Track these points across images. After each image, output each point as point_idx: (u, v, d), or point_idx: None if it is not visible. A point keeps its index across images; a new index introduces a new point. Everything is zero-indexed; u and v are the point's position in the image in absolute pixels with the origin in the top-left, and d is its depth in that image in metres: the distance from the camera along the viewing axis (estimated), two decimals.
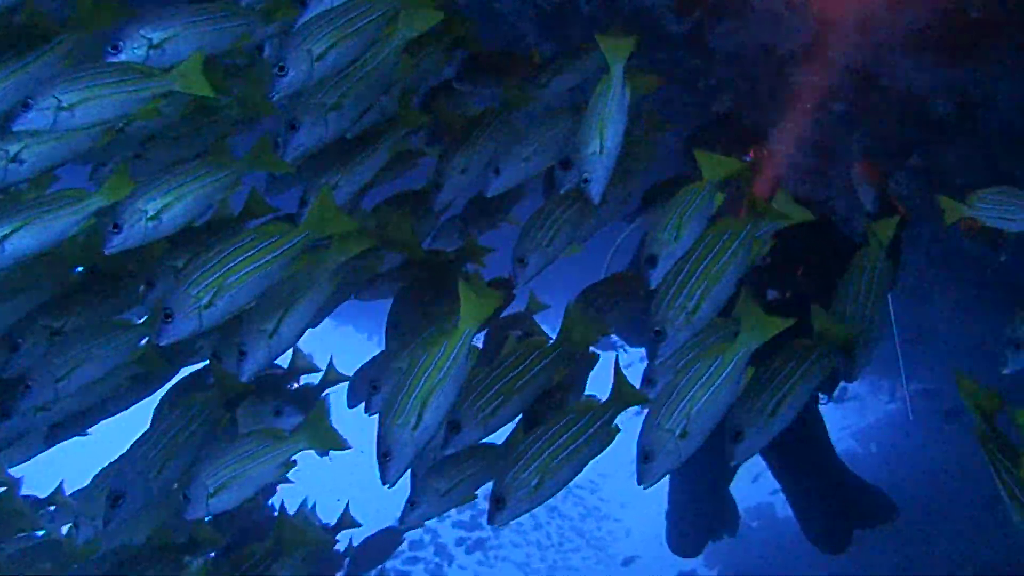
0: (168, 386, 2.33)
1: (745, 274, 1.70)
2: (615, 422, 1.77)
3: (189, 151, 2.20)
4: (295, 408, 2.27)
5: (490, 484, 1.80)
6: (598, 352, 2.10)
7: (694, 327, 1.64)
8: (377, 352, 2.32)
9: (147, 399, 2.36)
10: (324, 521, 3.32)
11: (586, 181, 1.86)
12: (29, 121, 1.77)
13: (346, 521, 3.16)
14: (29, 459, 2.42)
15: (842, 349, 1.84)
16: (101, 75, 1.81)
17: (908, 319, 4.20)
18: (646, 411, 1.70)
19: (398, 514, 3.25)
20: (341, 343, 5.23)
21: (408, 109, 2.27)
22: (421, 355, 1.70)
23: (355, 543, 3.55)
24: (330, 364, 2.58)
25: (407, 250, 2.23)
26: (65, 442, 2.41)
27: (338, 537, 3.21)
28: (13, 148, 1.88)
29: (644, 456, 1.62)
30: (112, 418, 2.39)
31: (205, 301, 1.76)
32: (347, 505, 3.22)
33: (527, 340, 2.00)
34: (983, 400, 1.57)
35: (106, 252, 1.86)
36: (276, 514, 2.88)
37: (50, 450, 2.41)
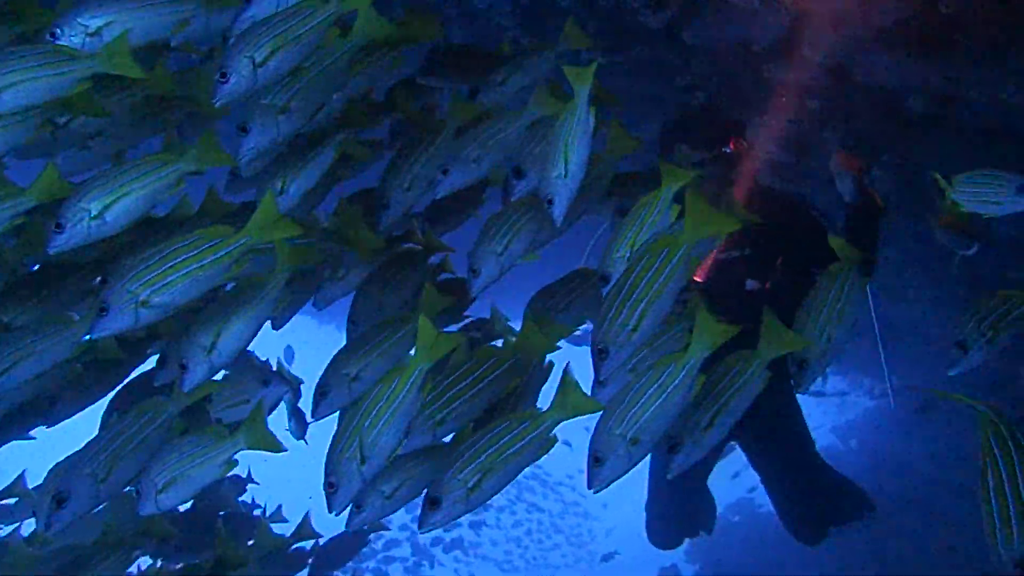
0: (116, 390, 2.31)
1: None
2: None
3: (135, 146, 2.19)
4: (282, 379, 2.26)
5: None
6: (561, 346, 2.10)
7: (635, 345, 1.68)
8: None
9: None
10: (287, 520, 3.28)
11: (550, 202, 1.91)
12: None
13: (305, 531, 3.11)
14: None
15: (794, 359, 1.87)
16: (26, 58, 1.77)
17: (885, 316, 4.23)
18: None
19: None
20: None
21: (354, 109, 2.27)
22: (372, 391, 1.74)
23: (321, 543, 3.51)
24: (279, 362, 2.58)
25: (363, 245, 2.22)
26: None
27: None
28: None
29: (595, 460, 1.64)
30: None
31: (142, 298, 1.76)
32: (307, 514, 3.16)
33: (483, 348, 2.02)
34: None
35: (50, 252, 1.84)
36: (247, 512, 2.88)
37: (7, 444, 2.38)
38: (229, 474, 3.16)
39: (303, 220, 2.11)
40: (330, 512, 1.74)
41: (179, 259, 1.80)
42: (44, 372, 2.10)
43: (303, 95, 1.96)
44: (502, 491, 1.77)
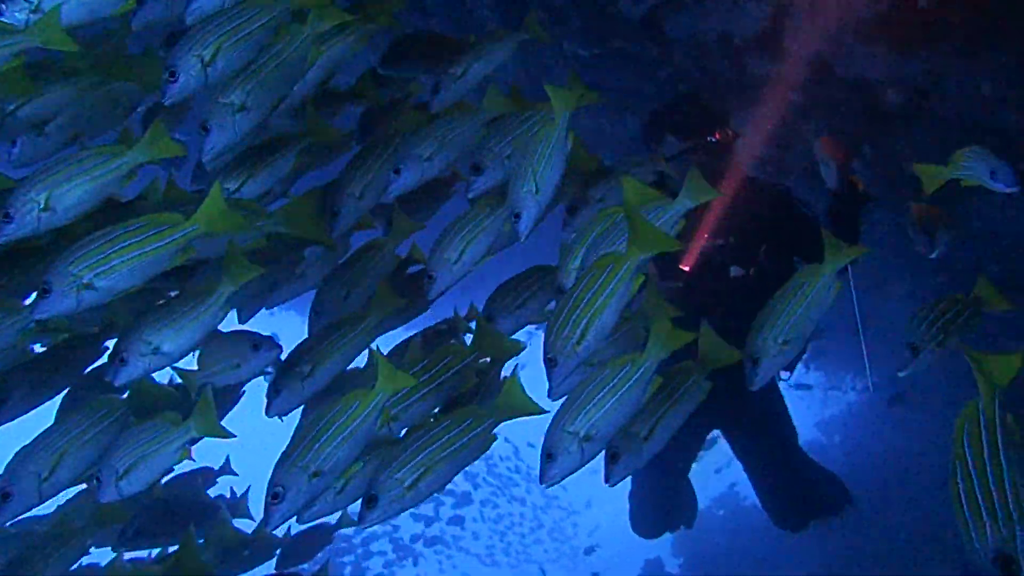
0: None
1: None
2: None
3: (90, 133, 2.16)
4: (272, 343, 2.26)
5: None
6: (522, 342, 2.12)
7: (581, 356, 1.71)
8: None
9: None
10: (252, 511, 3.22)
11: (517, 216, 1.91)
12: None
13: (262, 536, 3.04)
14: None
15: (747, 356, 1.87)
16: None
17: (863, 309, 4.24)
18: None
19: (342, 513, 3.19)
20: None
21: (315, 122, 2.26)
22: (333, 408, 1.73)
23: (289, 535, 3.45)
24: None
25: (312, 236, 2.21)
26: None
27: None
28: None
29: (547, 456, 1.66)
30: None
31: (85, 280, 1.75)
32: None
33: (444, 348, 2.04)
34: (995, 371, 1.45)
35: None
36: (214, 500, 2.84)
37: None
38: (200, 465, 3.12)
39: (251, 211, 2.08)
40: (266, 527, 1.71)
41: (124, 244, 1.78)
42: None
43: (260, 91, 1.94)
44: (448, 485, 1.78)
